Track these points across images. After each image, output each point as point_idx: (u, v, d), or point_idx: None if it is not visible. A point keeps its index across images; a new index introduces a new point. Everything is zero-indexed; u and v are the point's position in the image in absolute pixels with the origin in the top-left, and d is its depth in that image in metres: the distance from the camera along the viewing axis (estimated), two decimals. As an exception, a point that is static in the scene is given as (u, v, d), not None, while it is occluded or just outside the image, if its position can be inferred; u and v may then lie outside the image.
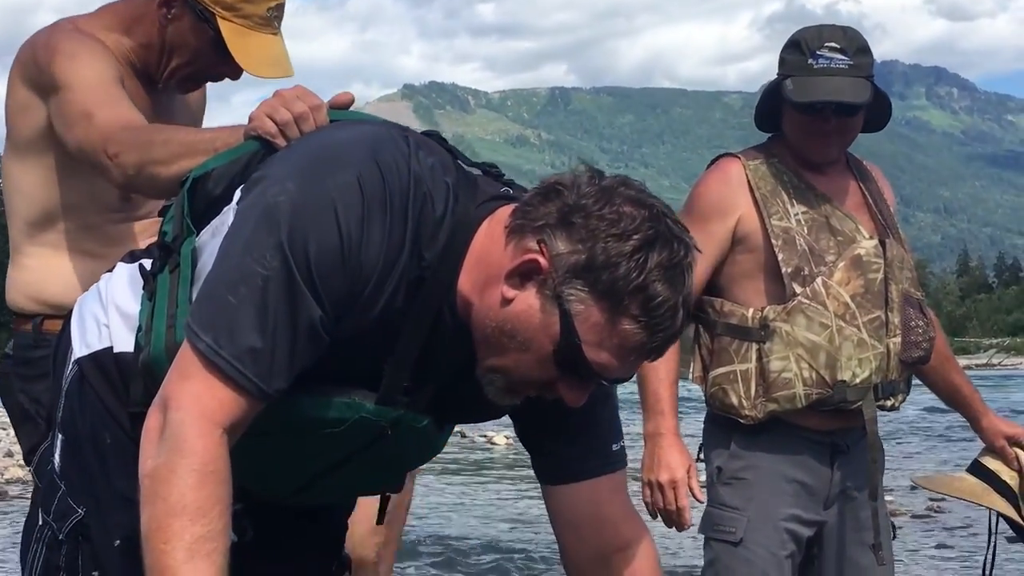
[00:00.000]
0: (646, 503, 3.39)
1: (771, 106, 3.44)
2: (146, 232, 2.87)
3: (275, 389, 1.84)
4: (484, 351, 1.91)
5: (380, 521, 2.44)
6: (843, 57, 3.26)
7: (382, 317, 1.90)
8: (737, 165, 3.41)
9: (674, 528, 3.43)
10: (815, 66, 3.26)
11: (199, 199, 2.10)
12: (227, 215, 1.99)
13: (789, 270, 3.27)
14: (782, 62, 3.37)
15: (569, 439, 2.12)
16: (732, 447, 3.40)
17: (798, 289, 3.27)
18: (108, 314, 2.15)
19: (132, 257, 2.22)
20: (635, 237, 1.78)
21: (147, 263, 2.13)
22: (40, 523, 2.16)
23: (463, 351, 1.94)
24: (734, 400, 3.33)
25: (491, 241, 1.90)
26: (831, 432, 3.38)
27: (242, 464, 1.84)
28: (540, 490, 2.20)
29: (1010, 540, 3.84)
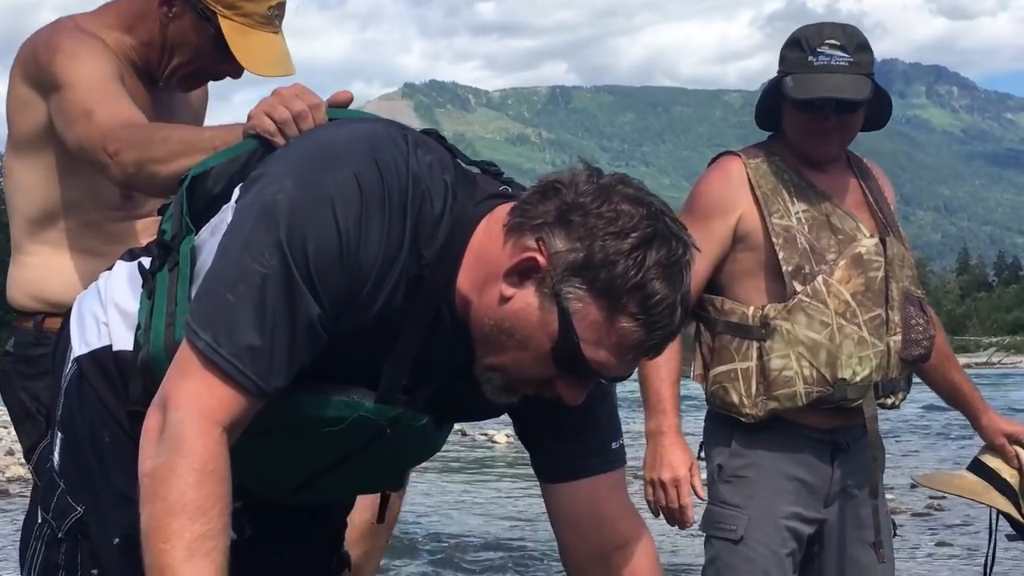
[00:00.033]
0: (648, 501, 3.39)
1: (771, 104, 3.43)
2: (147, 230, 2.87)
3: (274, 387, 1.84)
4: (482, 349, 1.91)
5: (381, 520, 2.44)
6: (843, 54, 3.25)
7: (381, 315, 1.90)
8: (738, 163, 3.41)
9: (676, 526, 3.43)
10: (815, 63, 3.26)
11: (198, 197, 2.10)
12: (226, 213, 1.99)
13: (790, 268, 3.27)
14: (782, 60, 3.37)
15: (568, 437, 2.12)
16: (733, 445, 3.40)
17: (799, 287, 3.26)
18: (107, 312, 2.15)
19: (131, 255, 2.22)
20: (633, 235, 1.78)
21: (146, 261, 2.13)
22: (39, 521, 2.16)
23: (462, 350, 1.94)
24: (735, 398, 3.32)
25: (490, 239, 1.90)
26: (832, 430, 3.38)
27: (241, 463, 1.83)
28: (540, 488, 2.21)
29: (1010, 538, 3.84)
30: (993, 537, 3.85)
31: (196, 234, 2.05)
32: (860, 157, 3.58)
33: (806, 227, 3.31)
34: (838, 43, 3.26)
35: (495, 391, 1.93)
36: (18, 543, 2.29)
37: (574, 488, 2.14)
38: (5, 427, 15.20)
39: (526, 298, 1.83)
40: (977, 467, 3.73)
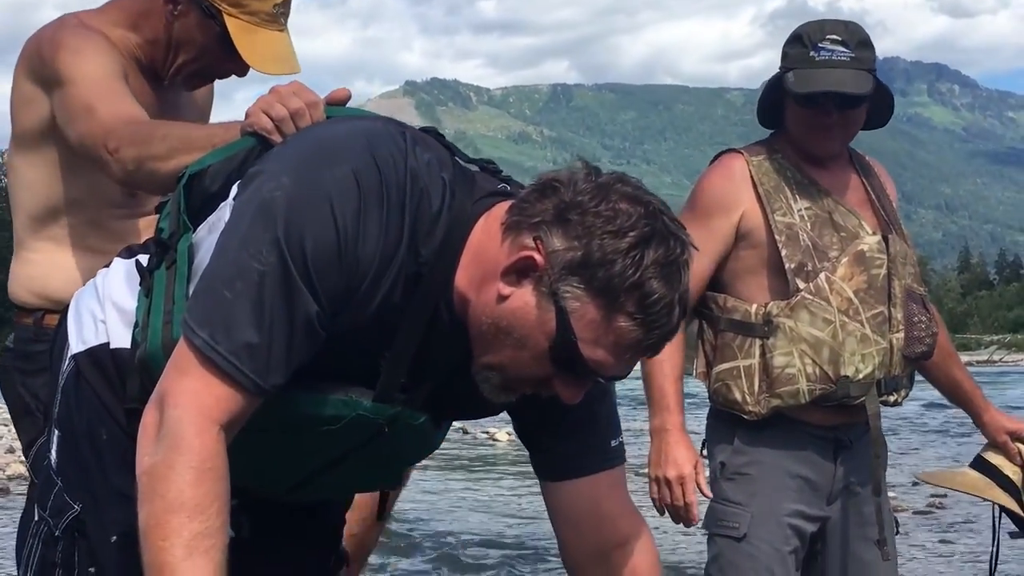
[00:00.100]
0: (653, 499, 3.39)
1: (773, 101, 3.43)
2: (150, 228, 2.86)
3: (271, 385, 1.84)
4: (480, 348, 1.90)
5: (381, 518, 2.43)
6: (845, 50, 3.25)
7: (379, 313, 1.90)
8: (740, 161, 3.40)
9: (681, 524, 3.42)
10: (817, 58, 3.25)
11: (195, 195, 2.09)
12: (223, 211, 1.98)
13: (792, 266, 3.27)
14: (784, 56, 3.36)
15: (567, 436, 2.12)
16: (735, 443, 3.39)
17: (801, 285, 3.26)
18: (105, 310, 2.15)
19: (129, 253, 2.21)
20: (631, 234, 1.77)
21: (144, 259, 2.13)
22: (36, 519, 2.16)
23: (460, 348, 1.93)
24: (737, 396, 3.32)
25: (488, 237, 1.90)
26: (834, 427, 3.38)
27: (239, 461, 1.83)
28: (539, 486, 2.20)
29: (1013, 535, 3.83)
30: (997, 535, 3.84)
31: (194, 232, 2.04)
32: (862, 154, 3.57)
33: (809, 224, 3.31)
34: (840, 39, 3.26)
35: (493, 390, 1.92)
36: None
37: (574, 486, 2.13)
38: (5, 425, 15.21)
39: (523, 297, 1.83)
40: (980, 464, 3.73)
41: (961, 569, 7.86)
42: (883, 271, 3.30)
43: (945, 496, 10.28)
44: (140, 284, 2.08)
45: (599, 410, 2.12)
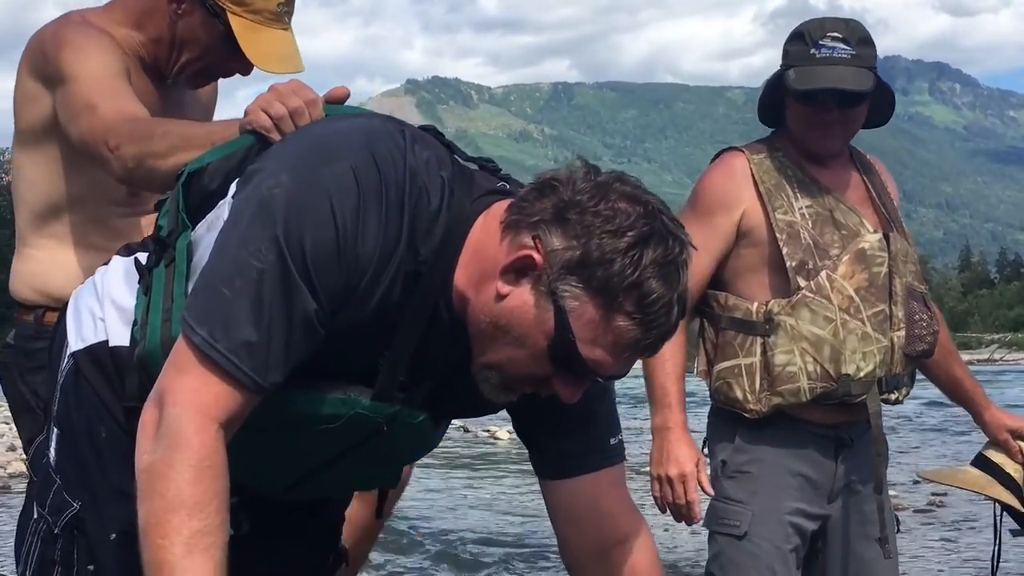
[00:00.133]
0: (655, 497, 3.38)
1: (774, 99, 3.43)
2: (152, 226, 2.86)
3: (270, 383, 1.83)
4: (479, 347, 1.90)
5: (379, 515, 2.43)
6: (846, 47, 3.25)
7: (378, 311, 1.89)
8: (741, 159, 3.40)
9: (683, 522, 3.42)
10: (818, 56, 3.25)
11: (194, 193, 2.09)
12: (222, 209, 1.98)
13: (793, 264, 3.26)
14: (785, 54, 3.36)
15: (566, 434, 2.12)
16: (736, 441, 3.39)
17: (802, 283, 3.25)
18: (104, 308, 2.15)
19: (128, 251, 2.21)
20: (630, 234, 1.77)
21: (142, 257, 2.13)
22: (35, 517, 2.16)
23: (459, 347, 1.93)
24: (738, 394, 3.32)
25: (486, 236, 1.90)
26: (835, 426, 3.38)
27: (237, 459, 1.83)
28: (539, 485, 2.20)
29: (1014, 533, 3.83)
30: (998, 533, 3.84)
31: (192, 230, 2.04)
32: (863, 153, 3.57)
33: (810, 222, 3.31)
34: (841, 36, 3.26)
35: (493, 390, 1.92)
36: (21, 539, 2.28)
37: (574, 484, 2.13)
38: (7, 423, 15.22)
39: (522, 296, 1.83)
40: (981, 462, 3.72)
41: (962, 567, 7.86)
42: (884, 269, 3.30)
43: (946, 494, 10.29)
44: (139, 282, 2.08)
45: (598, 409, 2.12)
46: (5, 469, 12.48)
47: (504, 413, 2.13)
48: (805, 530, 3.39)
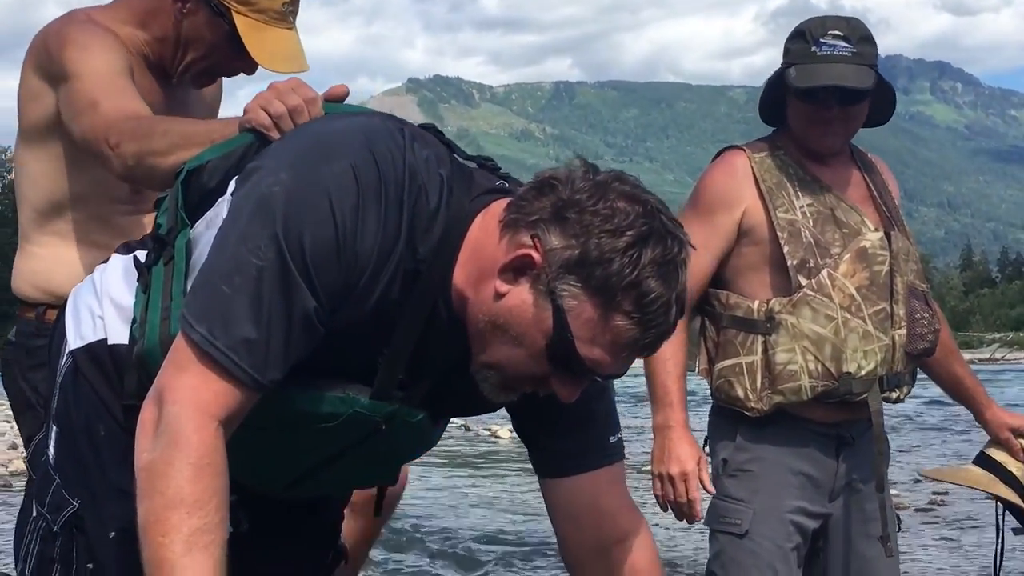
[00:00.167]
0: (656, 496, 3.38)
1: (775, 98, 3.42)
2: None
3: (269, 380, 1.83)
4: (478, 346, 1.90)
5: (377, 513, 2.43)
6: (846, 45, 3.25)
7: (377, 309, 1.89)
8: (742, 157, 3.40)
9: (685, 520, 3.42)
10: (818, 53, 3.25)
11: (193, 191, 2.09)
12: (221, 207, 1.98)
13: (795, 262, 3.26)
14: (786, 52, 3.36)
15: (566, 433, 2.12)
16: (738, 439, 3.39)
17: (803, 281, 3.25)
18: (103, 306, 2.14)
19: (127, 248, 2.21)
20: (629, 233, 1.77)
21: (141, 255, 2.12)
22: (34, 515, 2.16)
23: (458, 346, 1.93)
24: (740, 392, 3.31)
25: (485, 235, 1.89)
26: (836, 424, 3.37)
27: (236, 458, 1.82)
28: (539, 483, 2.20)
29: (1016, 532, 3.83)
30: (1001, 531, 3.84)
31: (191, 228, 2.04)
32: (864, 151, 3.57)
33: (811, 221, 3.30)
34: (841, 34, 3.26)
35: (492, 389, 1.92)
36: (22, 537, 2.28)
37: (573, 483, 2.13)
38: (8, 421, 15.22)
39: (521, 295, 1.83)
40: (983, 461, 3.72)
41: (963, 565, 7.86)
42: (885, 267, 3.30)
43: (947, 493, 10.30)
44: (138, 280, 2.08)
45: (597, 407, 2.12)
46: (6, 467, 12.49)
47: (504, 412, 2.13)
48: (806, 528, 3.39)
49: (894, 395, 3.37)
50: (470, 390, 1.94)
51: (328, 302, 1.84)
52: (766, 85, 3.47)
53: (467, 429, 18.01)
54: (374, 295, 1.88)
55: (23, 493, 2.37)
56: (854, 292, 3.26)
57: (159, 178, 2.43)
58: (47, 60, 2.79)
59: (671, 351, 3.28)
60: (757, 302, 3.31)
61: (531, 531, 9.12)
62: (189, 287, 1.93)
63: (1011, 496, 3.65)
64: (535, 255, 1.80)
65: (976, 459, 3.76)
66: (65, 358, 2.16)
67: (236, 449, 1.83)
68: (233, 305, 1.80)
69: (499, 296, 1.84)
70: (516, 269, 1.83)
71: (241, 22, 2.79)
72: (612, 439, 2.15)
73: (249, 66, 2.89)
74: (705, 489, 3.36)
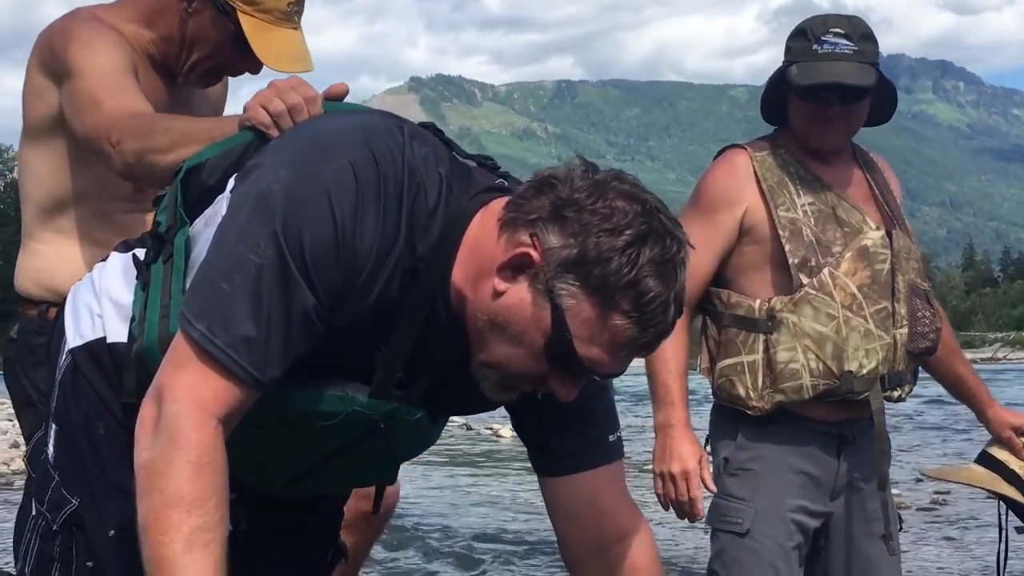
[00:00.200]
0: (658, 494, 3.38)
1: (776, 96, 3.42)
2: None
3: (269, 378, 1.83)
4: (477, 345, 1.90)
5: (375, 511, 2.43)
6: (848, 43, 3.25)
7: (376, 307, 1.89)
8: (744, 156, 3.39)
9: (686, 519, 3.41)
10: (820, 51, 3.25)
11: (192, 189, 2.09)
12: (220, 204, 1.98)
13: (796, 261, 3.26)
14: (788, 50, 3.36)
15: (565, 432, 2.11)
16: (739, 438, 3.39)
17: (805, 280, 3.25)
18: (102, 304, 2.14)
19: (126, 246, 2.21)
20: (627, 232, 1.77)
21: (140, 253, 2.12)
22: (34, 513, 2.16)
23: (457, 344, 1.93)
24: (741, 391, 3.31)
25: (484, 233, 1.89)
26: (838, 423, 3.37)
27: (235, 456, 1.82)
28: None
29: (1019, 531, 3.82)
30: (1005, 531, 3.83)
31: (191, 226, 2.03)
32: (866, 150, 3.57)
33: (812, 220, 3.30)
34: (843, 32, 3.26)
35: (492, 389, 1.92)
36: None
37: (573, 482, 2.13)
38: (10, 419, 15.23)
39: (519, 293, 1.83)
40: (985, 460, 3.72)
41: (966, 565, 7.86)
42: (887, 266, 3.29)
43: (948, 492, 10.30)
44: (137, 278, 2.08)
45: (596, 406, 2.12)
46: (8, 466, 12.50)
47: (503, 411, 2.13)
48: (808, 527, 3.39)
49: (895, 394, 3.37)
50: (468, 389, 1.93)
51: (327, 300, 1.84)
52: (768, 84, 3.46)
53: (469, 428, 18.03)
54: (373, 293, 1.88)
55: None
56: (855, 291, 3.25)
57: (159, 176, 2.42)
58: (51, 58, 2.79)
59: (672, 350, 3.27)
60: (758, 301, 3.30)
61: (532, 529, 9.13)
62: (188, 285, 1.93)
63: (1014, 494, 3.65)
64: (533, 253, 1.80)
65: (978, 458, 3.75)
66: (64, 356, 2.16)
67: (235, 447, 1.82)
68: (232, 303, 1.80)
69: (497, 294, 1.84)
70: (515, 267, 1.82)
71: (246, 22, 2.79)
72: (611, 438, 2.15)
73: (254, 66, 2.89)
74: (706, 488, 3.35)
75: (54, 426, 2.16)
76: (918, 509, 10.01)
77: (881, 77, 3.28)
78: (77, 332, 2.15)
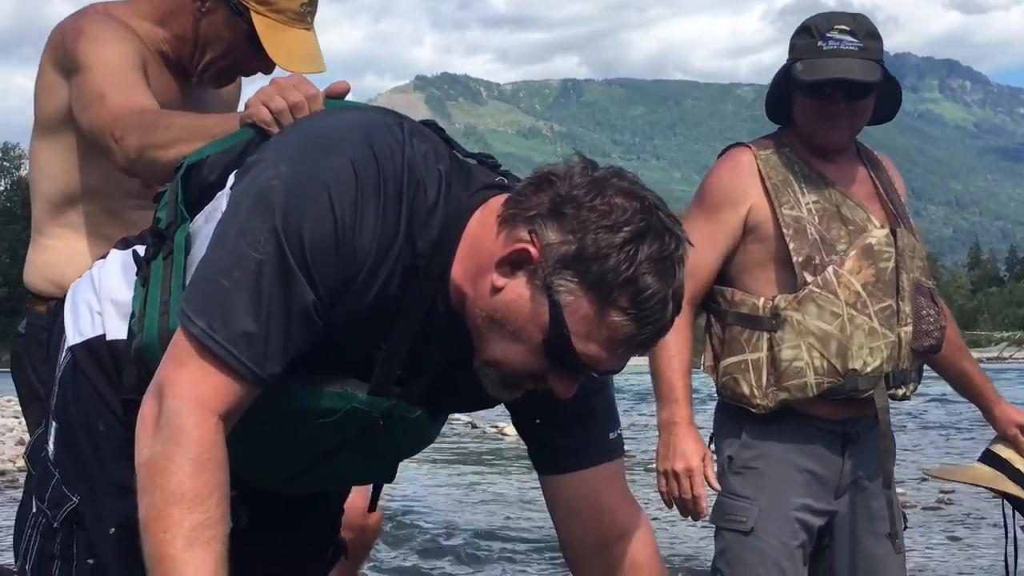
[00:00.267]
0: (661, 492, 3.37)
1: (781, 94, 3.41)
2: None
3: (269, 374, 1.83)
4: (477, 342, 1.90)
5: (372, 509, 2.43)
6: (853, 39, 3.25)
7: (376, 304, 1.89)
8: (748, 154, 3.39)
9: (690, 517, 3.41)
10: (824, 48, 3.25)
11: (193, 186, 2.09)
12: (220, 201, 1.98)
13: (800, 259, 3.25)
14: (792, 48, 3.35)
15: (565, 430, 2.11)
16: (743, 436, 3.38)
17: (809, 278, 3.25)
18: (101, 301, 2.14)
19: (125, 243, 2.21)
20: (626, 229, 1.77)
21: (140, 249, 2.12)
22: (34, 511, 2.16)
23: (457, 342, 1.93)
24: (745, 389, 3.31)
25: (483, 230, 1.89)
26: (842, 421, 3.36)
27: (235, 452, 1.82)
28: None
29: (1024, 529, 3.82)
30: (1012, 529, 3.82)
31: (191, 222, 2.03)
32: (870, 149, 3.56)
33: (816, 218, 3.30)
34: (848, 29, 3.26)
35: (493, 387, 1.92)
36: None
37: (573, 479, 2.13)
38: (16, 417, 15.25)
39: (517, 289, 1.82)
40: (989, 458, 3.71)
41: (971, 564, 7.85)
42: (891, 264, 3.29)
43: (953, 491, 10.30)
44: (136, 274, 2.08)
45: (597, 403, 2.11)
46: (14, 463, 12.52)
47: (503, 409, 2.13)
48: (812, 526, 3.38)
49: (900, 392, 3.37)
50: (468, 386, 1.93)
51: (327, 296, 1.84)
52: (773, 81, 3.46)
53: (473, 426, 18.06)
54: (372, 290, 1.87)
55: (27, 490, 2.37)
56: (860, 289, 3.25)
57: (160, 171, 2.43)
58: (62, 53, 2.80)
59: (676, 348, 3.27)
60: (763, 299, 3.30)
61: (536, 527, 9.14)
62: (188, 281, 1.93)
63: (1018, 493, 3.65)
64: (532, 249, 1.80)
65: (982, 456, 3.75)
66: (64, 354, 2.16)
67: (235, 444, 1.82)
68: (232, 299, 1.79)
69: (496, 290, 1.84)
70: (513, 263, 1.82)
71: (259, 22, 2.79)
72: (612, 435, 2.15)
73: (267, 66, 2.90)
74: (710, 486, 3.35)
75: (54, 423, 2.16)
76: (924, 508, 10.01)
77: (886, 74, 3.28)
78: (76, 329, 2.15)
